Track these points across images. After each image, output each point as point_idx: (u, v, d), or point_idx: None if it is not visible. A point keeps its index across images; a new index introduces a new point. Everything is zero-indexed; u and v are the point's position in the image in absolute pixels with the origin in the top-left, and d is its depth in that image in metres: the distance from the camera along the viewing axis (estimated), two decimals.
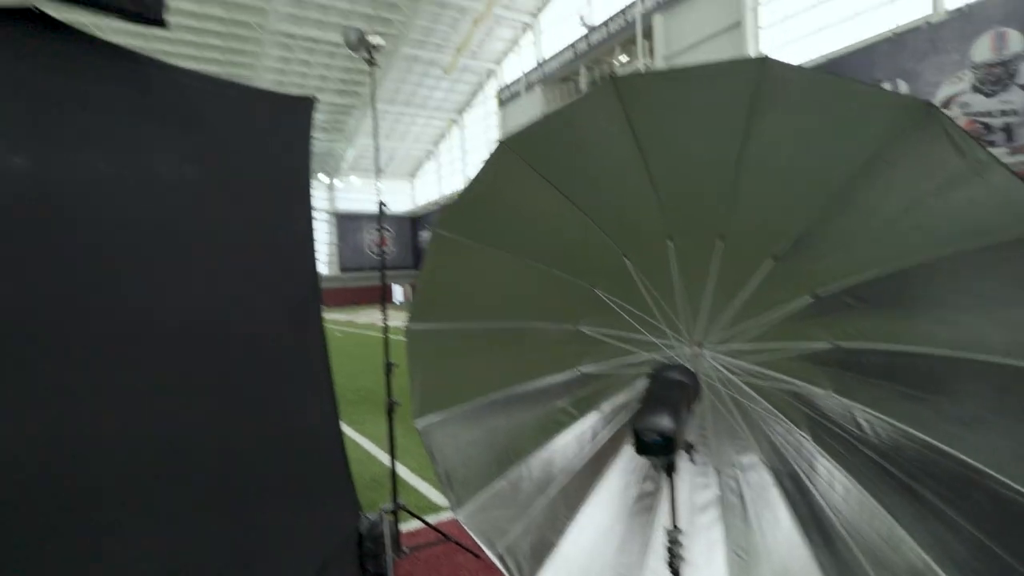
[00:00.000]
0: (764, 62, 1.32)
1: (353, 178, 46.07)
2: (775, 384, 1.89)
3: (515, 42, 34.28)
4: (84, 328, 2.16)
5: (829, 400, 1.80)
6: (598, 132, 1.63)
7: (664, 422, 1.40)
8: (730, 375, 1.98)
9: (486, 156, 1.82)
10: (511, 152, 1.69)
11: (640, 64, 23.44)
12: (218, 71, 29.91)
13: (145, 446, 2.27)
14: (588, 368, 2.13)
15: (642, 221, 1.87)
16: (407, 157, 46.69)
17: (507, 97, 34.75)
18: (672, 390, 1.55)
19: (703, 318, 1.97)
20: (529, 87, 32.23)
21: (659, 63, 22.93)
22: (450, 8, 30.28)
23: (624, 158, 1.67)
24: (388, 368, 2.89)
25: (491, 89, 37.39)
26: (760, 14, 19.57)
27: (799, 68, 1.41)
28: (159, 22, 2.37)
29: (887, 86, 14.14)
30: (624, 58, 26.68)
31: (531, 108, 32.14)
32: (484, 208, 1.89)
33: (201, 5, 25.82)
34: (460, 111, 41.52)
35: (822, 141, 1.45)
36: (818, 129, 1.45)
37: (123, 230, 2.34)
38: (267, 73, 31.35)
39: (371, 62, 3.05)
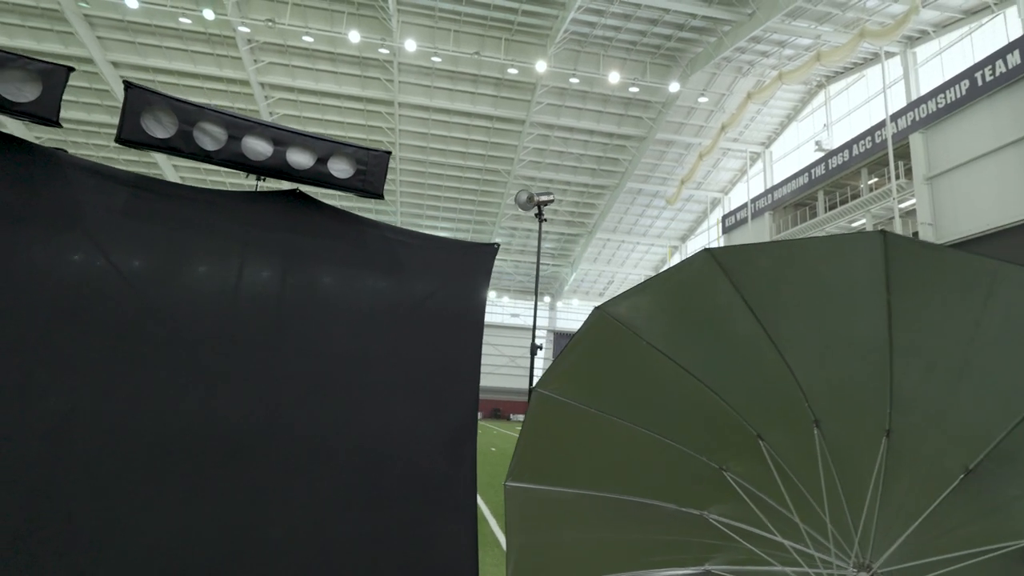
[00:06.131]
0: (883, 237, 1.09)
1: (575, 301, 49.01)
2: None
3: (743, 171, 33.86)
4: (275, 439, 2.67)
5: None
6: (705, 304, 1.50)
7: None
8: None
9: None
10: (610, 319, 1.65)
11: (892, 187, 20.77)
12: (470, 208, 36.22)
13: (297, 557, 2.58)
14: (718, 568, 1.78)
15: (778, 400, 1.60)
16: (625, 281, 47.94)
17: (732, 224, 33.82)
18: None
19: (870, 531, 1.53)
20: (757, 213, 30.98)
21: (918, 185, 20.02)
22: (676, 146, 31.78)
23: (742, 331, 1.50)
24: None
25: (715, 216, 36.93)
26: None
27: (926, 244, 1.13)
28: (379, 196, 3.07)
29: None
30: (872, 180, 24.06)
31: (758, 234, 30.59)
32: (587, 372, 1.83)
33: (466, 159, 32.12)
34: (682, 238, 41.64)
35: (997, 333, 1.09)
36: (989, 318, 1.10)
37: (327, 357, 2.89)
38: (509, 209, 36.51)
39: (540, 217, 3.36)
